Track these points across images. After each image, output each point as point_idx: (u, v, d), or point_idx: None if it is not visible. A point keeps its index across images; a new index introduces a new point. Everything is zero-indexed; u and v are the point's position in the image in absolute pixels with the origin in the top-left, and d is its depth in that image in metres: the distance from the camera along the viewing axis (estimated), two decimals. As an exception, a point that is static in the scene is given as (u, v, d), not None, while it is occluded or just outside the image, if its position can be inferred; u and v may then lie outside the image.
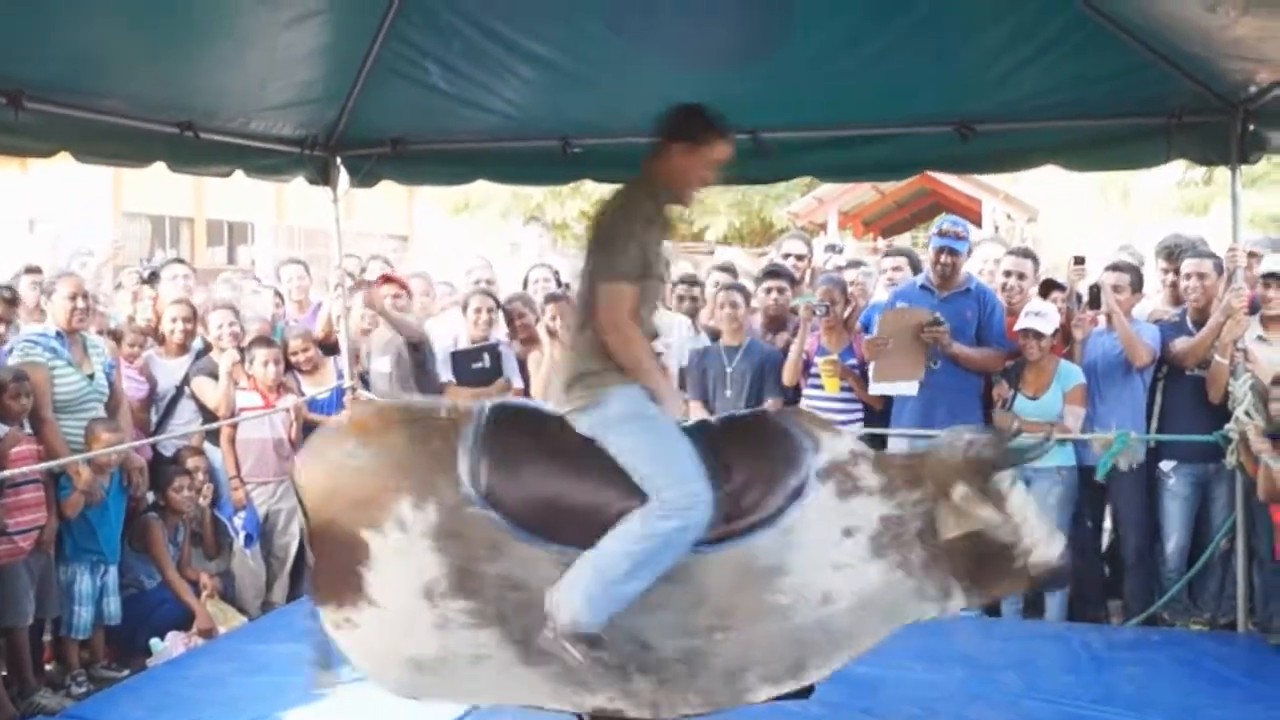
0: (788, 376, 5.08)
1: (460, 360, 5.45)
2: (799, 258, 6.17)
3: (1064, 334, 4.90)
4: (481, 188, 12.21)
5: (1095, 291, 4.82)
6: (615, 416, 2.90)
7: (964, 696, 3.79)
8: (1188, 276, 4.91)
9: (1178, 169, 12.34)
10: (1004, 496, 2.95)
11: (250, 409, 5.23)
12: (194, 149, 4.57)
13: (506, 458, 2.92)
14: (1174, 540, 4.81)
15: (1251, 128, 4.31)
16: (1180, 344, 4.78)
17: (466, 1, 4.33)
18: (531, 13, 4.33)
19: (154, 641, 4.71)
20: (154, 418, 5.28)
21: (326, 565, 3.01)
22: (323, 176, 5.37)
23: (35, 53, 3.66)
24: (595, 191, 10.48)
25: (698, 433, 3.03)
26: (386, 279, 5.79)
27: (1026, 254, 5.45)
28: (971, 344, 4.89)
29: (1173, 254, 5.30)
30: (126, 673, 4.52)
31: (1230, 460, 4.44)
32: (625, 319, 2.92)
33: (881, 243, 14.00)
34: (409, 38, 4.53)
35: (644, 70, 4.44)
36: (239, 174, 5.00)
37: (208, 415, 5.27)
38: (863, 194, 14.53)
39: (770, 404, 5.06)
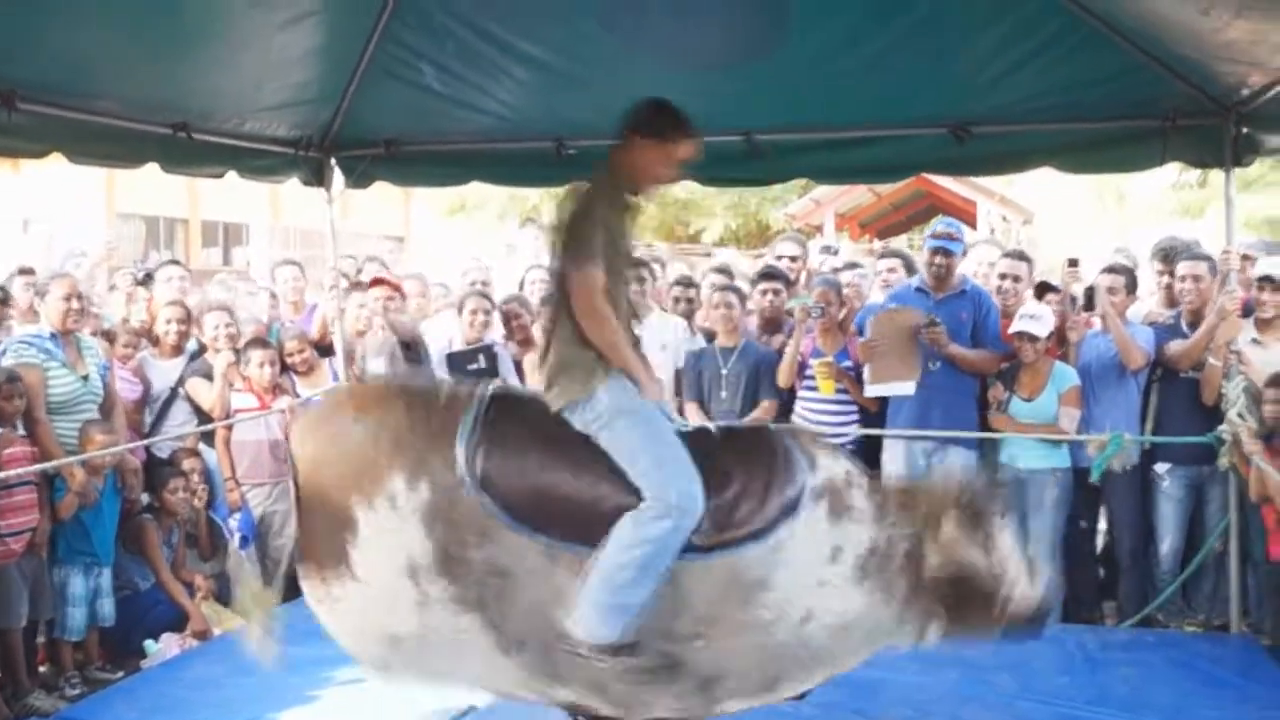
0: (782, 378, 5.08)
1: (455, 361, 5.45)
2: (793, 259, 6.17)
3: (1059, 336, 4.91)
4: (478, 189, 12.22)
5: (1090, 294, 4.84)
6: (607, 411, 2.90)
7: (958, 698, 3.79)
8: (1182, 279, 4.92)
9: (1173, 172, 12.35)
10: (993, 539, 2.99)
11: (245, 410, 5.22)
12: (187, 150, 4.56)
13: (504, 445, 2.91)
14: (1168, 542, 4.82)
15: (1245, 130, 4.33)
16: (1175, 346, 4.79)
17: (460, 2, 4.33)
18: (525, 13, 4.33)
19: (148, 643, 4.70)
20: (148, 419, 5.26)
21: (312, 534, 2.99)
22: (317, 178, 5.37)
23: (27, 53, 3.65)
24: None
25: (698, 440, 3.02)
26: (379, 281, 5.79)
27: (1021, 256, 5.46)
28: (967, 346, 4.89)
29: (1168, 256, 5.31)
30: (121, 674, 4.51)
31: (1223, 462, 4.46)
32: (599, 302, 2.90)
33: (878, 245, 14.01)
34: (403, 39, 4.53)
35: (639, 71, 4.44)
36: (233, 175, 4.99)
37: (202, 417, 5.26)
38: (859, 196, 14.54)
39: (764, 406, 5.08)
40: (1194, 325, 4.78)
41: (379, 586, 2.91)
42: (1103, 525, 5.20)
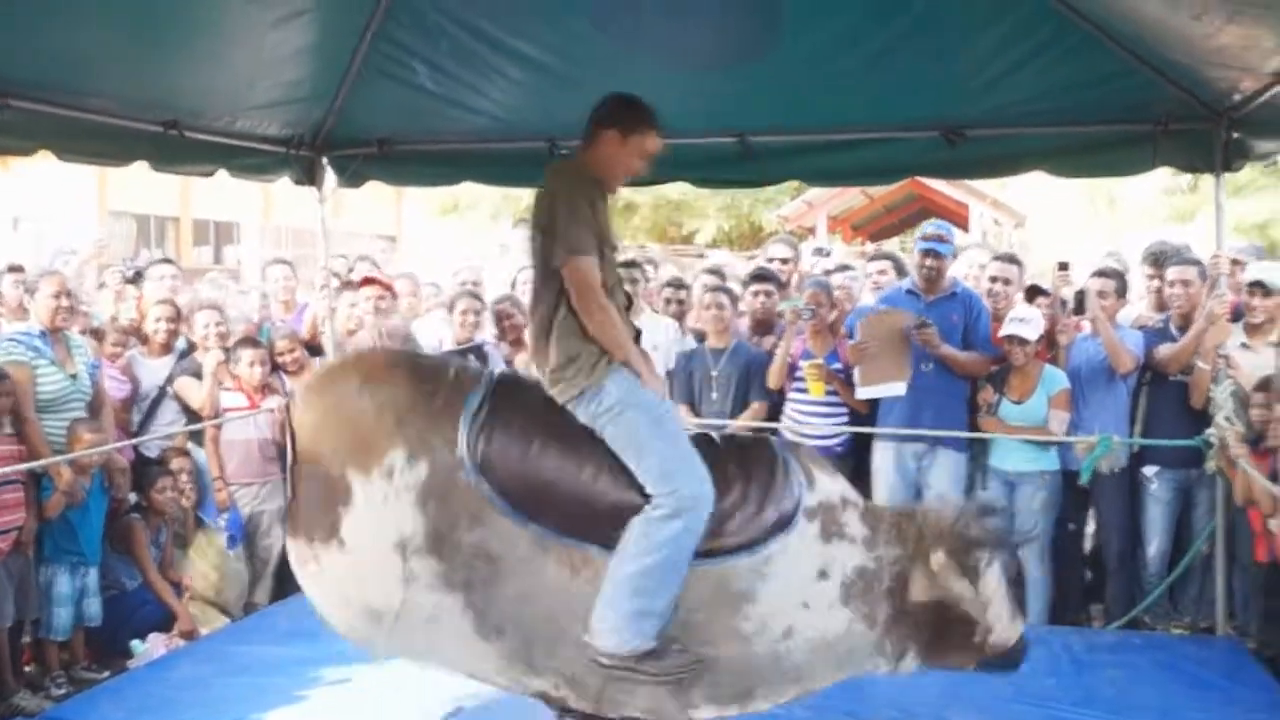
0: (773, 380, 5.08)
1: (446, 361, 5.43)
2: (784, 261, 6.18)
3: (1049, 339, 4.93)
4: (471, 189, 12.20)
5: (1080, 297, 4.85)
6: (613, 405, 2.88)
7: (946, 699, 3.79)
8: (1172, 283, 4.94)
9: (1164, 176, 12.40)
10: (980, 574, 3.00)
11: (235, 410, 5.20)
12: (178, 148, 4.54)
13: (507, 430, 2.89)
14: (1155, 545, 4.83)
15: (1236, 136, 4.34)
16: (1164, 350, 4.81)
17: (453, 1, 4.33)
18: (519, 13, 4.32)
19: (135, 643, 4.68)
20: (136, 418, 5.24)
21: (306, 501, 2.96)
22: (308, 176, 5.35)
23: (17, 50, 3.63)
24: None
25: (700, 446, 3.00)
26: (370, 280, 5.77)
27: (1012, 259, 5.48)
28: (958, 348, 4.90)
29: (1158, 260, 5.33)
30: (107, 674, 4.48)
31: (1211, 465, 4.48)
32: (598, 295, 2.89)
33: (870, 247, 14.04)
34: (396, 37, 4.52)
35: (632, 72, 4.42)
36: (224, 173, 4.98)
37: (191, 416, 5.23)
38: (852, 198, 14.57)
39: (754, 408, 5.08)
40: (1183, 329, 4.80)
41: (367, 558, 2.88)
42: (1091, 527, 5.21)
